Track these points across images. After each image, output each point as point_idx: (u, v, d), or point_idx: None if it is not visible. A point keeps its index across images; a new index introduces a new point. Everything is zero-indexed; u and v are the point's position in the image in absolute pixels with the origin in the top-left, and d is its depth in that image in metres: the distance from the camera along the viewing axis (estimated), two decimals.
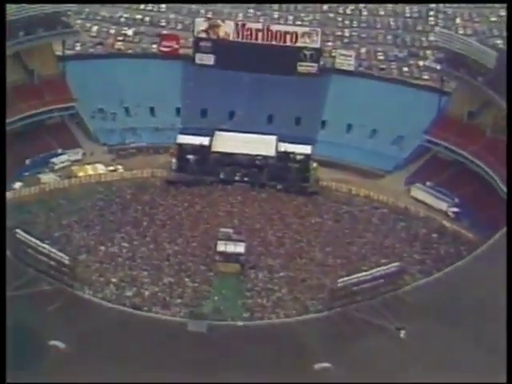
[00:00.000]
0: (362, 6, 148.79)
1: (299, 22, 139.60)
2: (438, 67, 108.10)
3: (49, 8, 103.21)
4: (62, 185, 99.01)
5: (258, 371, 61.28)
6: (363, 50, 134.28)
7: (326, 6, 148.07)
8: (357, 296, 70.36)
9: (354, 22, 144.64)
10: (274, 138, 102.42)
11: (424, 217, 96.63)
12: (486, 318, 67.52)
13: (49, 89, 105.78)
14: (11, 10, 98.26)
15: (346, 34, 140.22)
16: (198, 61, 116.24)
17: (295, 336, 67.38)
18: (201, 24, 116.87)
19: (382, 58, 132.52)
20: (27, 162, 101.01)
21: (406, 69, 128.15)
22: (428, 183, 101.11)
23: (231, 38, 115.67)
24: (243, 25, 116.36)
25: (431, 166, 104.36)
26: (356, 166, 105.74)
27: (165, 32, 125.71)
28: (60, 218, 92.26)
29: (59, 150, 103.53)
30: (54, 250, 72.05)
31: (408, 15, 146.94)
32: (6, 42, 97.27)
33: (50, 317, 65.42)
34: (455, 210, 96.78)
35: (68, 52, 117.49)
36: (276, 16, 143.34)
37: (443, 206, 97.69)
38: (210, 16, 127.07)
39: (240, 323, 72.45)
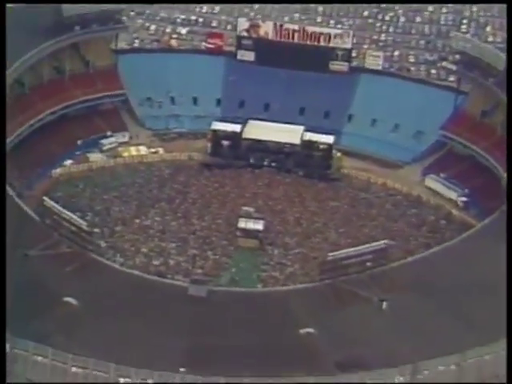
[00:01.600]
0: (400, 12, 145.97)
1: (340, 26, 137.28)
2: (454, 68, 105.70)
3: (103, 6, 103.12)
4: (107, 163, 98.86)
5: (247, 333, 60.35)
6: (396, 53, 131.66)
7: (366, 12, 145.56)
8: (345, 269, 68.81)
9: (391, 28, 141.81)
10: (301, 128, 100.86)
11: (434, 205, 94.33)
12: (468, 294, 65.33)
13: (102, 78, 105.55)
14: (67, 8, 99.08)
15: (382, 38, 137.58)
16: (239, 57, 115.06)
17: (286, 303, 66.38)
18: (243, 24, 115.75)
19: (412, 60, 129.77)
20: (79, 142, 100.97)
21: (433, 71, 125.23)
22: (442, 175, 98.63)
23: (270, 37, 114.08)
24: (281, 25, 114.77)
25: (446, 160, 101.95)
26: (377, 157, 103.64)
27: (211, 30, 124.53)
28: (102, 193, 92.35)
29: (108, 133, 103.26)
30: (74, 217, 71.61)
31: (443, 23, 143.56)
32: (64, 35, 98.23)
33: (68, 276, 65.19)
34: (464, 199, 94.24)
35: (126, 46, 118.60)
36: (319, 20, 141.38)
37: (453, 195, 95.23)
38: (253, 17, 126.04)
39: None
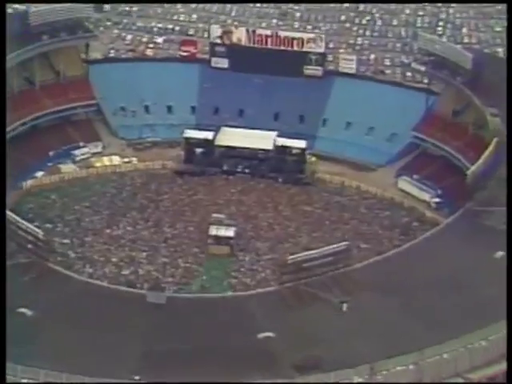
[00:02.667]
0: (377, 16, 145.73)
1: (317, 31, 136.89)
2: (423, 69, 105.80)
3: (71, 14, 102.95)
4: (79, 174, 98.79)
5: (205, 339, 59.97)
6: (372, 57, 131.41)
7: (343, 17, 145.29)
8: (306, 272, 68.39)
9: (368, 32, 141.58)
10: (273, 133, 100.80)
11: (407, 207, 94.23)
12: (430, 293, 65.00)
13: (73, 88, 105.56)
14: (34, 16, 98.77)
15: (359, 42, 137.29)
16: (213, 64, 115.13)
17: (246, 308, 66.05)
18: (216, 30, 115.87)
19: (388, 63, 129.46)
20: (51, 153, 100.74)
21: (409, 74, 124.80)
22: (415, 176, 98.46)
23: (243, 43, 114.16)
24: (253, 31, 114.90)
25: (419, 161, 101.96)
26: (352, 161, 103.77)
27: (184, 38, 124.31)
28: (73, 204, 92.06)
29: (81, 144, 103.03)
30: (31, 226, 71.30)
31: (419, 25, 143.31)
32: (31, 45, 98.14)
33: (24, 286, 64.76)
34: (437, 200, 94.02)
35: (100, 57, 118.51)
36: (297, 26, 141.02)
37: (426, 196, 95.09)
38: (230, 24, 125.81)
39: None
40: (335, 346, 58.12)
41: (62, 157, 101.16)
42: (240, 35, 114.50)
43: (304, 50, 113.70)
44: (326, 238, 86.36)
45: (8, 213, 72.96)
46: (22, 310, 61.08)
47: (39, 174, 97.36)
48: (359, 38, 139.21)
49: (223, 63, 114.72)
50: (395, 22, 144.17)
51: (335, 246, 70.90)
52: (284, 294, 67.46)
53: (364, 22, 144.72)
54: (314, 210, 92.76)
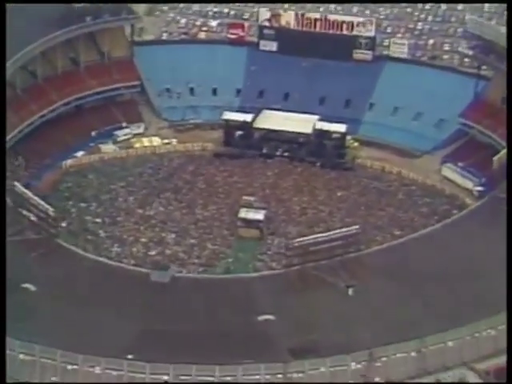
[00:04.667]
0: None
1: (376, 15, 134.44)
2: (470, 53, 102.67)
3: None
4: (119, 154, 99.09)
5: (205, 320, 59.34)
6: (431, 42, 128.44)
7: None
8: (314, 255, 66.92)
9: (430, 17, 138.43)
10: (315, 117, 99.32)
11: (448, 194, 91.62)
12: (443, 281, 63.03)
13: (118, 69, 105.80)
14: None
15: (419, 27, 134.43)
16: (261, 47, 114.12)
17: (250, 290, 65.13)
18: (264, 13, 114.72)
19: (447, 48, 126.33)
20: (93, 133, 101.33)
21: (467, 59, 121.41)
22: (460, 163, 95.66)
23: (292, 27, 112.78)
24: (302, 14, 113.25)
25: (466, 148, 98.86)
26: (396, 146, 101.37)
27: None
28: (110, 183, 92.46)
29: (123, 124, 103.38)
30: (42, 203, 71.61)
31: (486, 10, 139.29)
32: (74, 25, 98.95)
33: (32, 262, 65.15)
34: (480, 189, 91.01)
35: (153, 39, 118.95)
36: (355, 10, 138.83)
37: (469, 184, 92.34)
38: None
39: None
40: (336, 331, 56.90)
41: (104, 137, 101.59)
42: (289, 18, 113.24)
43: (353, 33, 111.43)
44: (358, 223, 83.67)
45: (21, 188, 73.37)
46: (26, 285, 61.40)
47: (80, 153, 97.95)
48: (420, 23, 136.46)
49: (271, 46, 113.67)
50: (460, 7, 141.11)
51: (345, 229, 69.26)
52: (290, 277, 66.35)
53: (428, 6, 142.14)
54: (350, 195, 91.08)
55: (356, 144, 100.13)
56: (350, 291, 62.84)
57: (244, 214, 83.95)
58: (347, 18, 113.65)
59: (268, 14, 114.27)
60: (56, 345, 52.61)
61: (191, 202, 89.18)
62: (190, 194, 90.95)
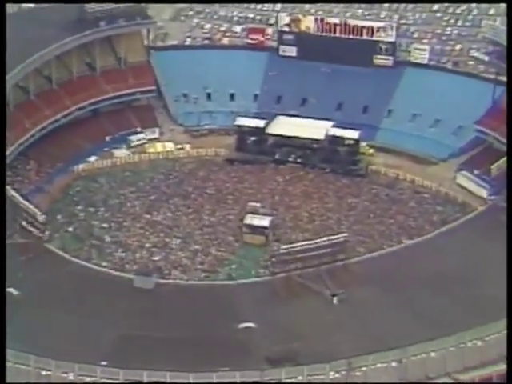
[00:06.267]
0: (473, 5, 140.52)
1: (404, 21, 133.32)
2: (486, 58, 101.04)
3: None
4: (131, 159, 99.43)
5: (186, 327, 59.10)
6: (458, 47, 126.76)
7: (436, 6, 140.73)
8: (301, 263, 66.19)
9: (460, 22, 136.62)
10: (328, 123, 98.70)
11: (461, 203, 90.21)
12: (431, 289, 62.07)
13: (134, 74, 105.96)
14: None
15: (447, 32, 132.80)
16: (281, 52, 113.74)
17: (233, 297, 64.76)
18: (283, 18, 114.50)
19: (474, 54, 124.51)
20: (107, 138, 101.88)
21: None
22: (475, 171, 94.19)
23: (312, 32, 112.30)
24: (322, 19, 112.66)
25: (483, 156, 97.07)
26: (413, 154, 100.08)
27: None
28: (120, 188, 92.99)
29: (138, 129, 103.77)
30: (30, 206, 71.96)
31: None
32: (88, 30, 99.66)
33: (18, 267, 65.50)
34: (493, 198, 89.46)
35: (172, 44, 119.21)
36: (383, 15, 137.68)
37: (483, 193, 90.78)
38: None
39: None
40: (317, 340, 56.47)
41: (118, 142, 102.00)
42: (308, 23, 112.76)
43: (374, 38, 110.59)
44: (366, 231, 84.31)
45: (12, 192, 73.92)
46: (10, 289, 61.73)
47: (92, 158, 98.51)
48: (448, 28, 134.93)
49: (291, 51, 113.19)
50: (492, 11, 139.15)
51: (333, 237, 68.49)
52: (275, 285, 65.76)
53: (458, 11, 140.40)
54: (360, 203, 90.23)
55: (371, 151, 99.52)
56: (335, 300, 62.13)
57: (250, 220, 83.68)
58: (367, 23, 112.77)
59: (287, 19, 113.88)
60: (33, 350, 52.87)
61: (199, 208, 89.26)
62: (199, 199, 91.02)
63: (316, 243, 67.06)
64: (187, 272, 78.07)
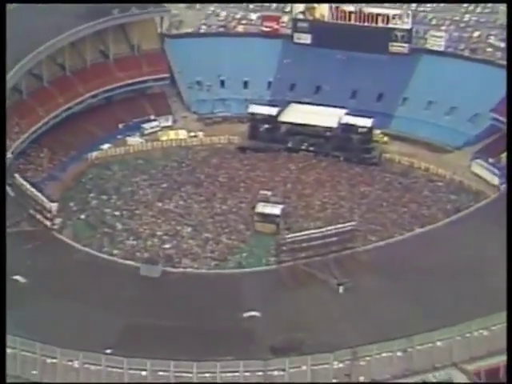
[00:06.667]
0: None
1: (422, 8, 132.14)
2: (502, 45, 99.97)
3: None
4: (144, 147, 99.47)
5: (191, 315, 59.05)
6: (476, 34, 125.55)
7: None
8: (307, 252, 65.80)
9: (478, 8, 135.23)
10: (342, 111, 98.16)
11: (475, 191, 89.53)
12: (437, 279, 61.62)
13: (147, 61, 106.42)
14: None
15: (465, 19, 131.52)
16: (296, 40, 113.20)
17: (239, 286, 64.57)
18: (298, 6, 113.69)
19: (491, 41, 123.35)
20: (120, 126, 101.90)
21: None
22: (490, 159, 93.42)
23: (326, 19, 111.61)
24: (337, 7, 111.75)
25: (498, 144, 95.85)
26: (427, 141, 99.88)
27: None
28: (132, 176, 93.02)
29: (151, 117, 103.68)
30: (38, 194, 72.02)
31: None
32: (101, 18, 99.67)
33: (26, 254, 65.64)
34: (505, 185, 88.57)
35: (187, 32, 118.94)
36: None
37: (497, 181, 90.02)
38: None
39: None
40: (322, 330, 56.11)
41: (131, 130, 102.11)
42: (323, 11, 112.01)
43: (389, 26, 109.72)
44: (378, 219, 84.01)
45: (20, 180, 74.06)
46: (17, 277, 61.92)
47: (106, 146, 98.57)
48: (467, 15, 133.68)
49: (306, 39, 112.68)
50: None
51: (340, 226, 68.08)
52: (282, 274, 65.46)
53: None
54: (373, 191, 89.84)
55: (385, 139, 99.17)
56: (341, 289, 61.81)
57: (261, 208, 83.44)
58: (382, 11, 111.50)
59: (302, 7, 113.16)
60: (38, 338, 52.96)
61: (211, 196, 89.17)
62: (211, 187, 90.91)
63: (322, 232, 66.52)
64: (197, 260, 78.01)
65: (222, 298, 61.67)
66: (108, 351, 52.92)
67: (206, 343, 54.77)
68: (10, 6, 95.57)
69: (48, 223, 70.73)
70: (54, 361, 52.52)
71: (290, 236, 67.96)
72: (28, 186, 72.23)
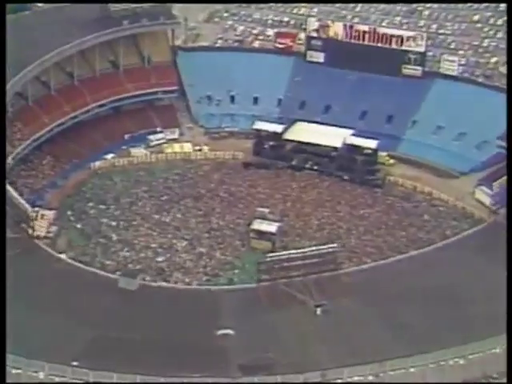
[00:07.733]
0: None
1: (442, 31, 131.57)
2: None
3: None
4: (148, 159, 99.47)
5: (163, 330, 58.64)
6: (493, 60, 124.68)
7: (477, 17, 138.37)
8: (287, 272, 65.22)
9: (500, 34, 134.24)
10: (347, 131, 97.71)
11: (477, 218, 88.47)
12: (414, 303, 60.91)
13: (157, 73, 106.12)
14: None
15: (484, 44, 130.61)
16: (308, 58, 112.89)
17: (216, 303, 64.11)
18: (312, 24, 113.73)
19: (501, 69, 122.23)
20: (126, 136, 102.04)
21: None
22: (494, 187, 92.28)
23: (340, 38, 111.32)
24: (351, 26, 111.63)
25: (504, 171, 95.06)
26: (433, 166, 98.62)
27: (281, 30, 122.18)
28: (133, 187, 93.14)
29: (158, 129, 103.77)
30: (22, 201, 72.02)
31: None
32: (110, 28, 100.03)
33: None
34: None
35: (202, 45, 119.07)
36: (421, 24, 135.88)
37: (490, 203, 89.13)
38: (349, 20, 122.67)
39: None
40: (294, 350, 55.61)
41: (137, 141, 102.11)
42: (337, 29, 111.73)
43: (403, 48, 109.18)
44: (375, 242, 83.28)
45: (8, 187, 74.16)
46: None
47: (110, 156, 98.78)
48: (486, 40, 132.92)
49: (319, 57, 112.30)
50: None
51: (323, 247, 67.45)
52: (261, 293, 64.96)
53: (500, 22, 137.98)
54: (373, 213, 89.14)
55: (391, 161, 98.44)
56: (319, 311, 61.24)
57: (257, 225, 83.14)
58: (397, 32, 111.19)
59: (316, 25, 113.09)
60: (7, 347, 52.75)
61: (209, 211, 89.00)
62: (210, 202, 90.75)
63: (304, 252, 65.92)
64: (189, 275, 77.80)
65: (196, 315, 61.45)
66: (74, 363, 52.55)
67: (176, 358, 54.52)
68: (21, 14, 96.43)
69: (30, 231, 70.71)
70: (19, 371, 52.27)
71: (270, 255, 67.36)
72: (13, 193, 72.24)
